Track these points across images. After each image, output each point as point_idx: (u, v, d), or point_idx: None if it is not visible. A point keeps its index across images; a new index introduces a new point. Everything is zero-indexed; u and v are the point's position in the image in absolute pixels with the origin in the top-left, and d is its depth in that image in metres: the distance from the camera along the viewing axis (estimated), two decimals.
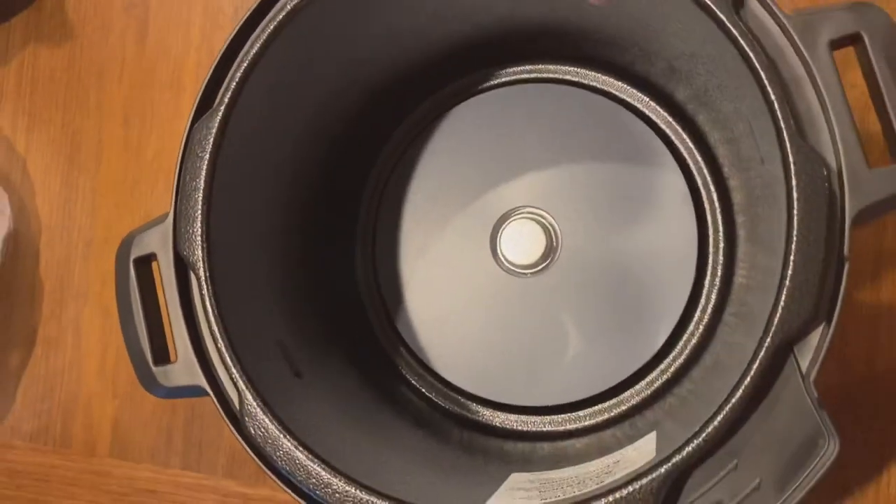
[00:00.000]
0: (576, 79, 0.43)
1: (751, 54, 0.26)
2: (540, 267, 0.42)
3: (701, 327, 0.41)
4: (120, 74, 0.56)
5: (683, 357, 0.40)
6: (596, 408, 0.42)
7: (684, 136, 0.41)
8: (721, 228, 0.41)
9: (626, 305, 0.41)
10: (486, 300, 0.42)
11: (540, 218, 0.42)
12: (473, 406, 0.43)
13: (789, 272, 0.27)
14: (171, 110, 0.55)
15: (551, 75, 0.43)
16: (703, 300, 0.41)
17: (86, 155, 0.56)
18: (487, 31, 0.40)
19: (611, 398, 0.41)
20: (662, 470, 0.27)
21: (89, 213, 0.56)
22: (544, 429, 0.42)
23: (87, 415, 0.55)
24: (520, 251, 0.42)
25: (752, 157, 0.34)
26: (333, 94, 0.38)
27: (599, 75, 0.43)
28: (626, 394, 0.41)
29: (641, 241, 0.41)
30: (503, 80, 0.44)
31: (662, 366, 0.41)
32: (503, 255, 0.42)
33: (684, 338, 0.41)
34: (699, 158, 0.41)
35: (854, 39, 0.28)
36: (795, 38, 0.28)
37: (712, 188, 0.41)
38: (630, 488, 0.27)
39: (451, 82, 0.44)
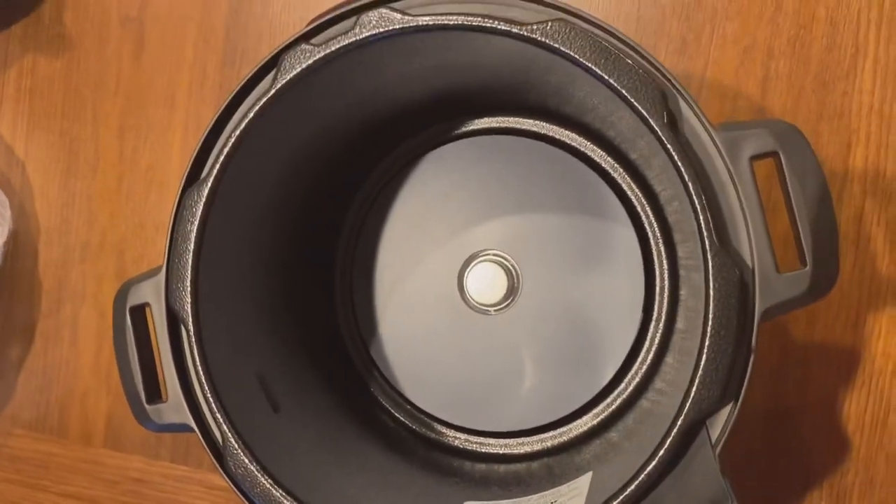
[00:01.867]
0: (541, 131, 0.46)
1: (682, 170, 0.30)
2: (502, 305, 0.46)
3: (644, 366, 0.45)
4: (116, 87, 0.58)
5: (627, 394, 0.45)
6: (548, 434, 0.46)
7: (637, 191, 0.45)
8: (667, 276, 0.44)
9: (578, 343, 0.45)
10: (452, 333, 0.46)
11: (503, 261, 0.46)
12: (437, 427, 0.47)
13: (703, 361, 0.31)
14: (165, 125, 0.57)
15: (519, 126, 0.47)
16: (647, 342, 0.45)
17: (83, 163, 0.58)
18: (457, 89, 0.43)
19: (561, 426, 0.46)
20: None
21: (86, 219, 0.58)
22: (500, 451, 0.46)
23: (83, 407, 0.59)
24: (484, 290, 0.46)
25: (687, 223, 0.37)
26: (313, 150, 0.42)
27: (563, 130, 0.46)
28: (574, 424, 0.45)
29: (595, 285, 0.45)
30: (474, 128, 0.47)
31: (608, 400, 0.45)
32: (469, 294, 0.46)
33: (629, 376, 0.45)
34: (650, 212, 0.45)
35: (773, 155, 0.31)
36: (722, 150, 0.31)
37: (661, 241, 0.44)
38: None
39: (423, 130, 0.47)
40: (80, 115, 0.58)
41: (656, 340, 0.45)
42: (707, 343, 0.30)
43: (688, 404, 0.31)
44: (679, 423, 0.31)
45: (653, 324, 0.45)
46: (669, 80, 0.33)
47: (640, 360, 0.45)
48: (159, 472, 0.58)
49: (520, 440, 0.46)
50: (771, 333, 0.49)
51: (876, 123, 0.48)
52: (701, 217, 0.30)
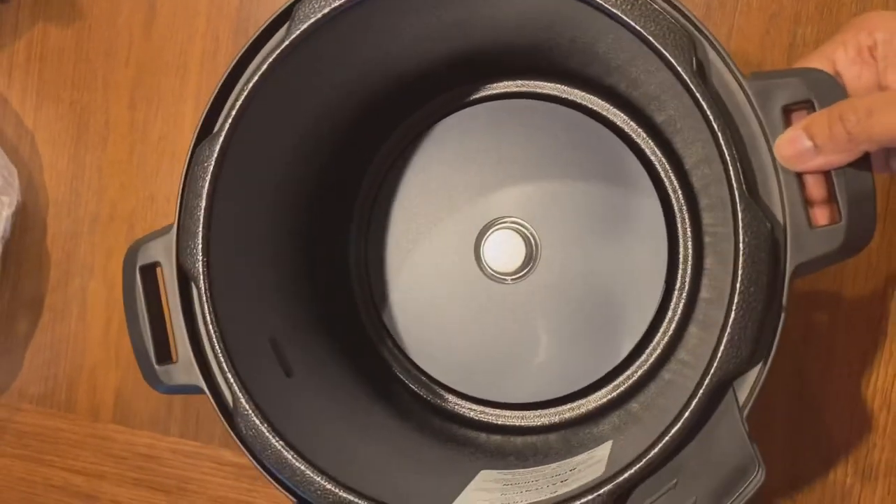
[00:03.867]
0: (562, 95, 0.45)
1: (711, 119, 0.29)
2: (520, 274, 0.45)
3: (666, 338, 0.44)
4: (127, 56, 0.57)
5: (647, 366, 0.43)
6: (565, 406, 0.45)
7: (661, 157, 0.44)
8: (690, 245, 0.43)
9: (598, 314, 0.44)
10: (467, 302, 0.45)
11: (522, 229, 0.45)
12: (451, 398, 0.46)
13: (731, 319, 0.29)
14: (176, 95, 0.56)
15: (539, 90, 0.45)
16: (669, 313, 0.44)
17: (93, 133, 0.58)
18: (476, 48, 0.42)
19: (578, 399, 0.45)
20: (608, 487, 0.31)
21: (95, 191, 0.58)
22: (516, 423, 0.45)
23: (91, 382, 0.58)
24: (501, 259, 0.45)
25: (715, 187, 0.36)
26: (328, 108, 0.40)
27: (585, 94, 0.45)
28: (593, 396, 0.44)
29: (616, 254, 0.44)
30: (493, 92, 0.46)
31: (628, 372, 0.44)
32: (486, 262, 0.45)
33: (650, 348, 0.44)
34: (674, 179, 0.43)
35: (806, 104, 0.30)
36: (753, 100, 0.30)
37: (685, 208, 0.43)
38: (579, 502, 0.30)
39: (442, 94, 0.46)
40: (91, 85, 0.58)
41: (679, 311, 0.43)
42: (736, 300, 0.29)
43: (715, 363, 0.29)
44: (706, 383, 0.30)
45: (675, 293, 0.44)
46: (698, 27, 0.31)
47: (661, 331, 0.44)
48: (168, 448, 0.57)
49: (537, 412, 0.45)
50: (796, 307, 0.48)
51: None
52: (731, 168, 0.29)
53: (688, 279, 0.43)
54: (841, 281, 0.48)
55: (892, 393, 0.47)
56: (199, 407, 0.56)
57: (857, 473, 0.48)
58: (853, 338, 0.48)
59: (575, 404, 0.44)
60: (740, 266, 0.29)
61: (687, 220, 0.43)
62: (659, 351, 0.43)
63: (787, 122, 0.30)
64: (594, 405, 0.44)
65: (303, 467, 0.33)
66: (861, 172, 0.30)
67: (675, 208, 0.43)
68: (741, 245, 0.29)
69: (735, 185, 0.29)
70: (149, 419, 0.57)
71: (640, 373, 0.44)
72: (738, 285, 0.29)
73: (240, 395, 0.34)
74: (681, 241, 0.43)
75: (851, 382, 0.48)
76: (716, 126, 0.29)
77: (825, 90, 0.30)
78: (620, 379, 0.44)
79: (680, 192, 0.43)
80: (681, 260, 0.43)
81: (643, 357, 0.44)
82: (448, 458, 0.42)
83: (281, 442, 0.33)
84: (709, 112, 0.29)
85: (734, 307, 0.29)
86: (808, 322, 0.48)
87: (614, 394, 0.44)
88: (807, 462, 0.48)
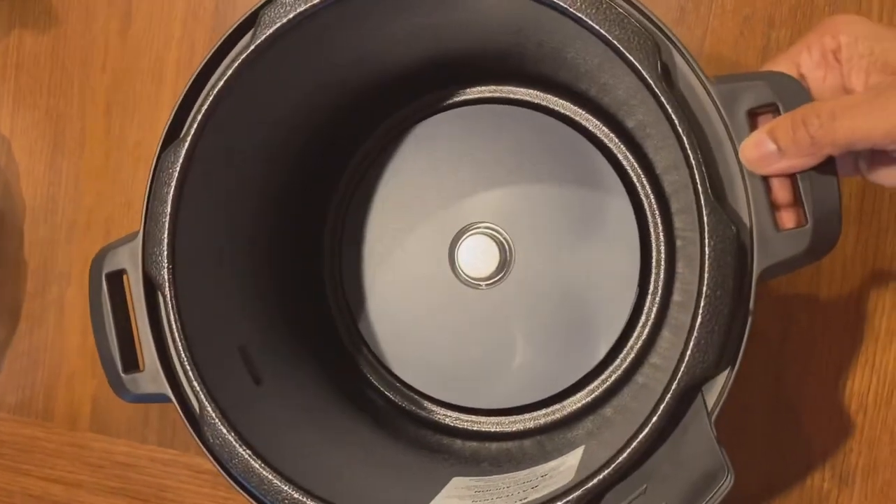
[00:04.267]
0: (535, 100, 0.45)
1: (676, 123, 0.29)
2: (494, 280, 0.45)
3: (640, 342, 0.43)
4: (103, 63, 0.57)
5: (622, 370, 0.43)
6: (540, 412, 0.45)
7: (633, 161, 0.43)
8: (663, 249, 0.43)
9: (572, 318, 0.44)
10: (442, 308, 0.45)
11: (496, 234, 0.45)
12: (427, 405, 0.46)
13: (698, 322, 0.29)
14: (153, 101, 0.56)
15: (512, 96, 0.45)
16: (643, 317, 0.43)
17: (70, 140, 0.58)
18: (448, 53, 0.42)
19: (554, 404, 0.44)
20: (577, 493, 0.30)
21: (72, 198, 0.58)
22: (492, 429, 0.45)
23: (69, 390, 0.58)
24: (476, 264, 0.45)
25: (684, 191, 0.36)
26: (299, 114, 0.40)
27: (558, 99, 0.45)
28: (568, 401, 0.44)
29: (589, 258, 0.44)
30: (467, 97, 0.46)
31: (603, 376, 0.44)
32: (460, 267, 0.45)
33: (624, 352, 0.44)
34: (646, 183, 0.43)
35: (771, 107, 0.30)
36: (718, 104, 0.30)
37: (657, 212, 0.43)
38: None
39: (416, 99, 0.45)
40: (67, 92, 0.58)
41: (652, 315, 0.43)
42: (702, 304, 0.29)
43: (682, 369, 0.29)
44: (673, 388, 0.29)
45: (648, 298, 0.43)
46: (663, 32, 0.31)
47: (635, 335, 0.44)
48: (146, 456, 0.57)
49: (512, 418, 0.45)
50: (773, 311, 0.48)
51: None
52: (696, 172, 0.29)
53: (661, 283, 0.43)
54: (818, 285, 0.48)
55: (869, 397, 0.47)
56: (175, 415, 0.55)
57: (835, 478, 0.48)
58: (830, 342, 0.48)
59: (550, 409, 0.44)
60: (706, 270, 0.29)
61: (659, 225, 0.43)
62: (633, 355, 0.43)
63: (754, 126, 0.30)
64: (569, 410, 0.44)
65: (270, 476, 0.33)
66: (826, 176, 0.30)
67: (648, 213, 0.43)
68: (707, 249, 0.29)
69: (700, 189, 0.29)
70: (126, 427, 0.57)
71: (614, 377, 0.43)
72: (704, 289, 0.29)
73: (206, 403, 0.34)
74: (653, 245, 0.43)
75: (829, 387, 0.48)
76: (680, 130, 0.29)
77: (789, 93, 0.30)
78: (595, 383, 0.44)
79: (652, 196, 0.43)
80: (654, 264, 0.43)
81: (617, 361, 0.43)
82: (422, 466, 0.42)
83: (248, 451, 0.33)
84: (673, 116, 0.29)
85: (700, 311, 0.29)
86: (786, 326, 0.48)
87: (589, 398, 0.44)
88: (785, 466, 0.48)
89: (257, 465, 0.33)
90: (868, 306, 0.47)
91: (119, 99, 0.56)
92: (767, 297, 0.47)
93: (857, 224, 0.47)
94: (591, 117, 0.44)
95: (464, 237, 0.45)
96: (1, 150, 0.59)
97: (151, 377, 0.35)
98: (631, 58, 0.30)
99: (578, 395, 0.44)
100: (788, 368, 0.48)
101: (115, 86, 0.57)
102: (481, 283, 0.45)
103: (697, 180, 0.29)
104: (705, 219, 0.29)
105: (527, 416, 0.45)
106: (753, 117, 0.31)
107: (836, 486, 0.48)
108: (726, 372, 0.30)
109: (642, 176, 0.43)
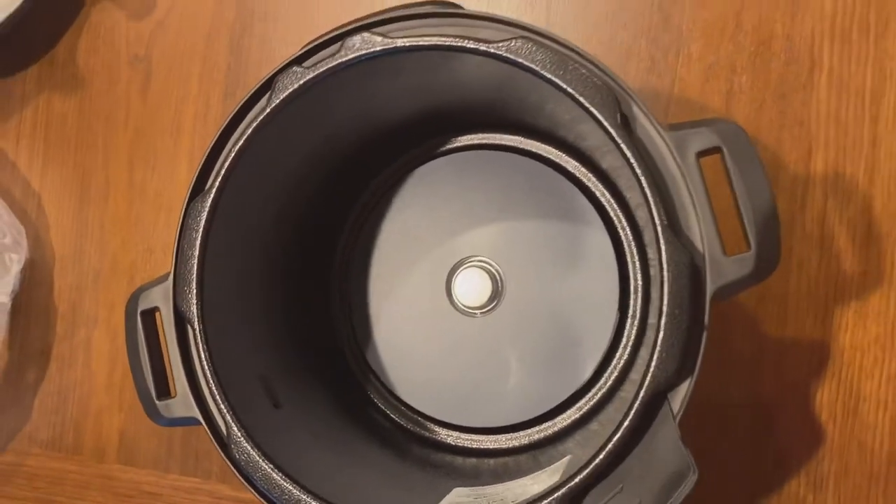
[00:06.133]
0: (520, 146, 0.50)
1: (634, 165, 0.33)
2: (487, 308, 0.49)
3: (622, 362, 0.48)
4: (125, 120, 0.61)
5: (607, 388, 0.47)
6: (534, 429, 0.49)
7: (610, 198, 0.48)
8: (640, 276, 0.48)
9: (560, 342, 0.48)
10: (441, 335, 0.49)
11: (488, 266, 0.49)
12: (430, 426, 0.50)
13: (660, 337, 0.34)
14: (171, 153, 0.61)
15: (500, 142, 0.50)
16: (624, 339, 0.48)
17: (95, 193, 0.62)
18: (441, 107, 0.47)
19: (546, 421, 0.48)
20: (561, 492, 0.35)
21: (98, 247, 0.61)
22: (489, 446, 0.49)
23: (97, 425, 0.61)
24: (470, 294, 0.49)
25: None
26: (310, 164, 0.45)
27: (540, 144, 0.49)
28: (559, 418, 0.48)
29: (574, 286, 0.48)
30: (459, 144, 0.51)
31: (590, 394, 0.48)
32: (457, 298, 0.49)
33: (608, 371, 0.48)
34: (622, 218, 0.48)
35: (716, 151, 0.35)
36: (671, 148, 0.35)
37: (633, 244, 0.48)
38: None
39: (414, 147, 0.50)
40: (92, 148, 0.62)
41: (632, 337, 0.47)
42: (664, 321, 0.33)
43: (648, 377, 0.34)
44: (641, 395, 0.34)
45: (629, 321, 0.48)
46: (622, 88, 0.36)
47: (618, 355, 0.48)
48: (170, 485, 0.60)
49: (509, 435, 0.49)
50: (745, 330, 0.52)
51: (833, 129, 0.51)
52: (654, 208, 0.34)
53: (639, 307, 0.47)
54: (786, 305, 0.52)
55: (837, 407, 0.51)
56: (196, 445, 0.60)
57: (810, 484, 0.51)
58: (800, 357, 0.52)
59: (543, 426, 0.48)
60: (665, 292, 0.34)
61: (635, 255, 0.47)
62: (616, 373, 0.47)
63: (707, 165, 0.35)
64: (560, 426, 0.48)
65: (290, 486, 0.37)
66: (768, 210, 0.34)
67: (625, 244, 0.47)
68: (666, 273, 0.34)
69: (658, 222, 0.33)
70: (151, 459, 0.60)
71: (600, 394, 0.47)
72: (664, 307, 0.33)
73: (232, 424, 0.38)
74: (631, 273, 0.47)
75: (801, 399, 0.52)
76: (638, 171, 0.34)
77: (731, 138, 0.34)
78: (583, 401, 0.48)
79: (628, 229, 0.47)
80: (632, 290, 0.47)
81: (602, 380, 0.48)
82: (426, 481, 0.46)
83: (270, 465, 0.37)
84: (632, 160, 0.34)
85: (662, 327, 0.34)
86: (759, 343, 0.52)
87: (578, 414, 0.48)
88: (764, 474, 0.52)
89: (279, 478, 0.37)
90: (833, 323, 0.52)
91: (140, 153, 0.61)
92: (741, 319, 0.52)
93: (819, 248, 0.52)
94: (570, 159, 0.49)
95: (459, 270, 0.49)
96: (32, 204, 0.63)
97: (182, 402, 0.40)
98: (594, 111, 0.34)
99: (568, 412, 0.48)
100: (764, 383, 0.52)
101: (137, 141, 0.61)
102: (476, 311, 0.49)
103: (655, 215, 0.33)
104: (663, 247, 0.33)
105: (521, 433, 0.49)
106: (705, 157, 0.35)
107: (812, 491, 0.51)
108: (688, 381, 0.35)
109: (619, 211, 0.48)
